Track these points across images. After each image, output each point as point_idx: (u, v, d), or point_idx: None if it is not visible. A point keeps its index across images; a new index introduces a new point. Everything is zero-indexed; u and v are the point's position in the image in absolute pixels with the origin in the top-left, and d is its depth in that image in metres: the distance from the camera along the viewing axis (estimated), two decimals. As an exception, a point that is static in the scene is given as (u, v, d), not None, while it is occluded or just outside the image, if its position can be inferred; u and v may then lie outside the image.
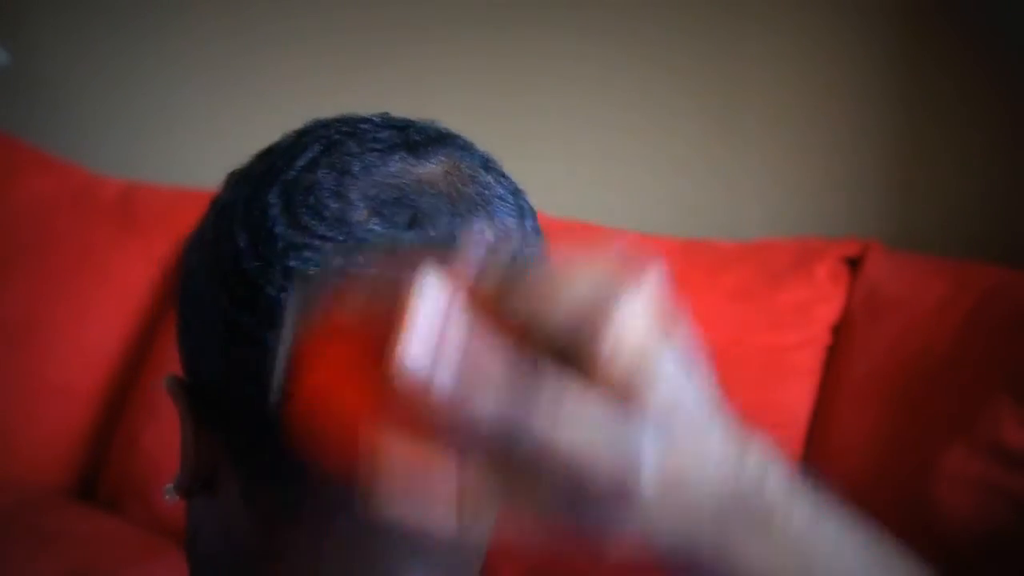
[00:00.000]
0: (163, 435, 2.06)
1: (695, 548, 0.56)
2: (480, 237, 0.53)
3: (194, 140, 2.49)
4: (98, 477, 2.19)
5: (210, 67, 2.49)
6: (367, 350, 0.49)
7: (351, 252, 0.61)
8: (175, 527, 2.04)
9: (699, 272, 1.97)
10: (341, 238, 0.62)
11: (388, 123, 0.68)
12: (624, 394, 0.51)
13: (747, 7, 2.12)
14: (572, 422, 0.50)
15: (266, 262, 0.63)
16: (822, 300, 1.90)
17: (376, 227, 0.62)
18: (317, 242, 0.62)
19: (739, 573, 0.57)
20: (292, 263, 0.62)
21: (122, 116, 2.57)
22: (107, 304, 2.26)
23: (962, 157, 2.02)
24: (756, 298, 1.92)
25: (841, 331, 1.89)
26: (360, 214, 0.63)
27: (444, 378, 0.48)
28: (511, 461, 0.49)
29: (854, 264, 1.93)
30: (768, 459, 0.58)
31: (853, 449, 1.79)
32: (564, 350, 0.50)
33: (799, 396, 1.86)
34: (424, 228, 0.63)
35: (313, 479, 0.59)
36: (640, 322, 0.51)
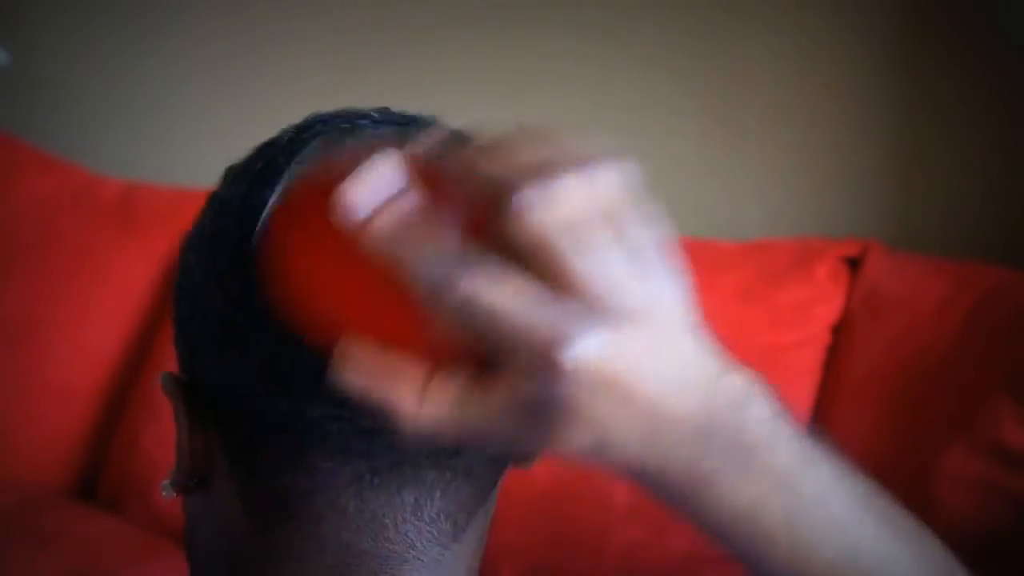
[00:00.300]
0: (163, 435, 2.06)
1: (665, 472, 0.55)
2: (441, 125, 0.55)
3: (194, 140, 2.49)
4: (98, 477, 2.19)
5: (210, 67, 2.49)
6: (327, 211, 0.54)
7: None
8: (175, 527, 2.04)
9: (699, 272, 1.96)
10: None
11: (387, 118, 0.67)
12: (549, 275, 0.52)
13: (747, 7, 2.12)
14: (496, 289, 0.51)
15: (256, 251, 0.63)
16: (822, 300, 1.90)
17: None
18: None
19: (715, 507, 0.56)
20: None
21: (122, 116, 2.57)
22: (107, 304, 2.26)
23: (962, 157, 2.02)
24: (756, 298, 1.92)
25: (841, 331, 1.89)
26: None
27: (380, 225, 0.53)
28: (449, 323, 0.52)
29: (854, 264, 1.93)
30: (751, 387, 0.58)
31: (853, 449, 1.79)
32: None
33: (799, 396, 1.86)
34: None
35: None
36: (574, 201, 0.52)
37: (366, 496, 0.63)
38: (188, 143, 2.50)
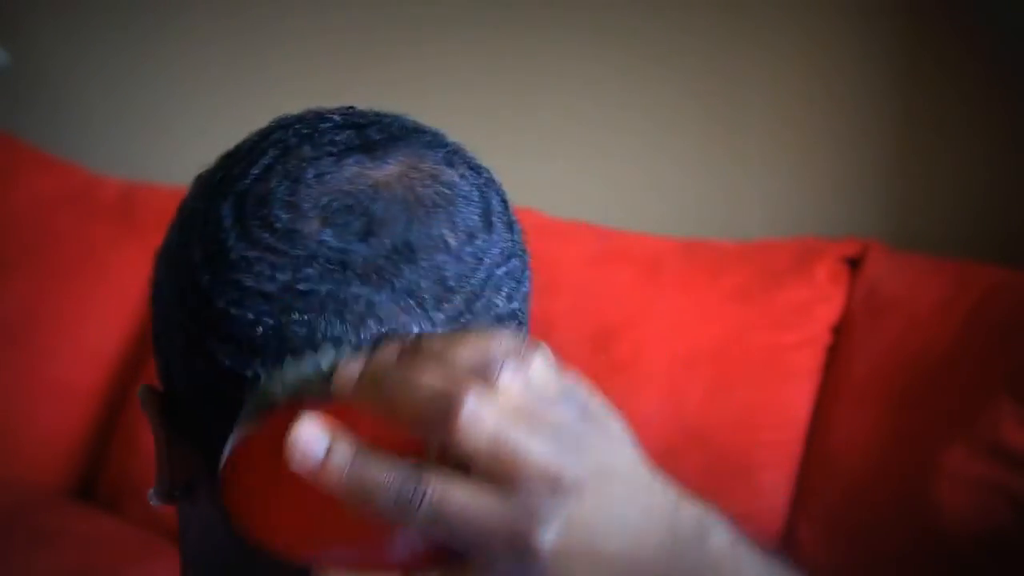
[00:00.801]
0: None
1: None
2: (348, 365, 0.59)
3: (194, 140, 2.49)
4: (98, 477, 2.19)
5: (210, 67, 2.49)
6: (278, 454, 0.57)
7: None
8: (175, 527, 2.04)
9: (699, 272, 1.97)
10: (293, 251, 0.62)
11: (349, 122, 0.67)
12: (503, 472, 0.55)
13: (747, 7, 2.12)
14: (455, 498, 0.55)
15: (217, 276, 0.63)
16: (822, 300, 1.90)
17: (328, 238, 0.62)
18: (269, 255, 0.62)
19: None
20: (241, 277, 0.63)
21: (122, 116, 2.57)
22: (107, 304, 2.26)
23: (962, 157, 2.02)
24: (756, 298, 1.92)
25: (841, 331, 1.89)
26: (312, 225, 0.63)
27: (335, 465, 0.57)
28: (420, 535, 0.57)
29: (854, 264, 1.93)
30: (708, 516, 0.60)
31: (853, 449, 1.79)
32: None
33: (799, 396, 1.86)
34: (378, 236, 0.63)
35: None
36: (490, 415, 0.55)
37: None
38: (188, 143, 2.49)
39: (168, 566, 2.11)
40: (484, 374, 0.56)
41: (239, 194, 0.65)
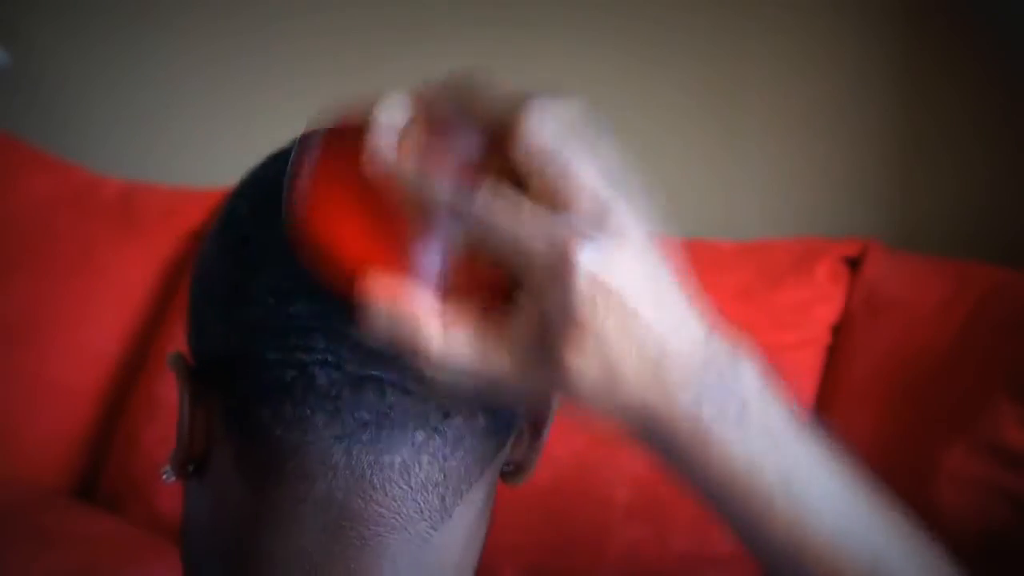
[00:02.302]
0: (163, 435, 2.06)
1: (668, 421, 0.57)
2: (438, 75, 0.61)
3: (194, 140, 2.49)
4: (98, 477, 2.19)
5: (210, 67, 2.49)
6: (352, 162, 0.59)
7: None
8: (175, 527, 2.04)
9: (699, 272, 1.96)
10: None
11: None
12: (557, 188, 0.56)
13: (747, 7, 2.12)
14: (508, 209, 0.56)
15: (259, 221, 0.66)
16: (822, 300, 1.90)
17: None
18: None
19: (716, 462, 0.58)
20: (282, 218, 0.65)
21: (122, 116, 2.57)
22: (107, 304, 2.26)
23: (962, 157, 2.02)
24: (756, 298, 1.92)
25: (841, 331, 1.89)
26: None
27: (403, 167, 0.58)
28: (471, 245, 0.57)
29: (854, 264, 1.93)
30: (741, 345, 0.59)
31: (853, 450, 1.79)
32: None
33: (799, 396, 1.86)
34: None
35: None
36: (552, 127, 0.57)
37: (355, 452, 0.64)
38: (188, 143, 2.50)
39: (168, 566, 2.12)
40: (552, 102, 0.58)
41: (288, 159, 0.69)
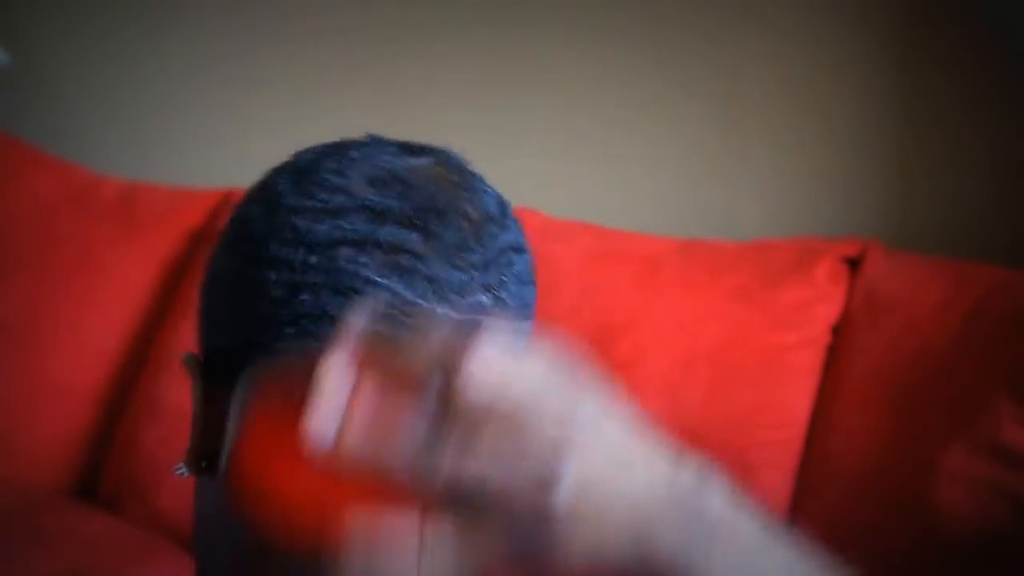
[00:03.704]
0: (163, 435, 2.06)
1: (649, 561, 0.59)
2: (362, 309, 0.60)
3: (194, 140, 2.49)
4: (98, 477, 2.19)
5: (210, 67, 2.49)
6: (291, 429, 0.58)
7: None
8: (175, 527, 2.04)
9: (699, 272, 1.97)
10: (340, 201, 0.72)
11: (388, 139, 0.77)
12: (509, 426, 0.57)
13: (747, 6, 2.12)
14: (474, 454, 0.56)
15: (271, 223, 0.72)
16: (822, 300, 1.90)
17: (370, 195, 0.72)
18: (317, 204, 0.72)
19: None
20: (292, 219, 0.72)
21: (122, 116, 2.57)
22: (107, 304, 2.26)
23: (962, 157, 2.02)
24: (756, 298, 1.92)
25: (841, 331, 1.89)
26: (357, 186, 0.73)
27: (351, 439, 0.57)
28: (440, 503, 0.58)
29: (854, 264, 1.93)
30: (706, 476, 0.62)
31: (853, 449, 1.79)
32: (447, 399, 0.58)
33: (799, 396, 1.86)
34: (412, 198, 0.72)
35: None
36: (493, 360, 0.57)
37: None
38: (188, 143, 2.50)
39: (168, 566, 2.12)
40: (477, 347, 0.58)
41: (294, 168, 0.75)
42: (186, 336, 2.36)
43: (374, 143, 0.76)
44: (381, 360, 0.59)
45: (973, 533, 1.66)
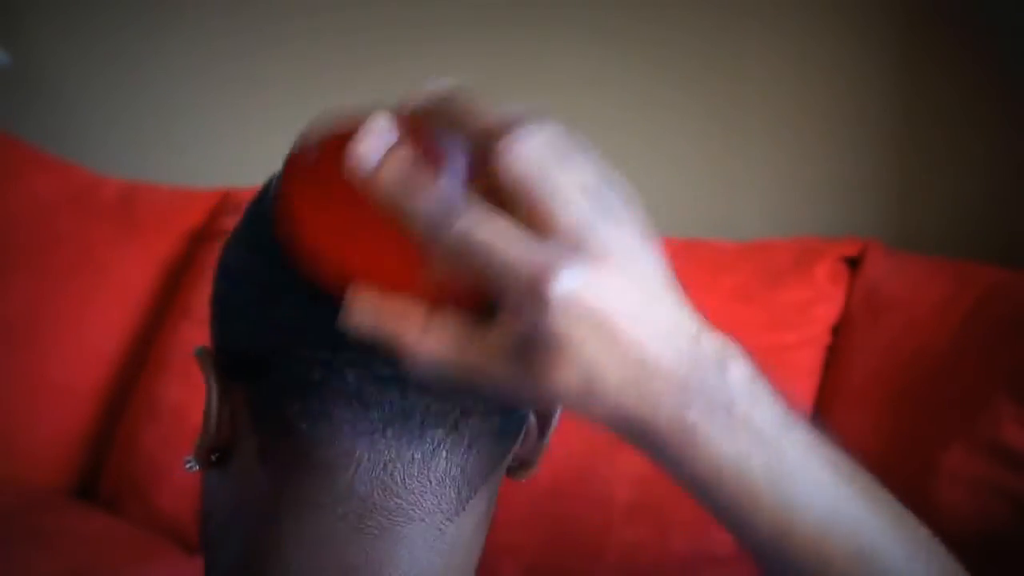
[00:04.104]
0: (163, 435, 2.06)
1: (650, 423, 0.58)
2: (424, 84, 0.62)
3: (194, 140, 2.49)
4: (98, 477, 2.19)
5: (210, 67, 2.49)
6: (339, 169, 0.60)
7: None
8: (175, 527, 2.04)
9: (699, 272, 1.96)
10: None
11: None
12: (538, 213, 0.57)
13: (747, 7, 2.12)
14: (487, 228, 0.57)
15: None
16: (822, 300, 1.90)
17: None
18: None
19: (700, 462, 0.59)
20: None
21: (122, 116, 2.57)
22: (107, 304, 2.26)
23: (962, 157, 2.02)
24: (756, 298, 1.92)
25: (841, 331, 1.89)
26: None
27: (386, 175, 0.59)
28: (448, 260, 0.58)
29: (854, 264, 1.93)
30: (729, 347, 0.62)
31: (853, 449, 1.79)
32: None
33: (799, 396, 1.86)
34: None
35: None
36: (535, 152, 0.58)
37: (379, 447, 0.66)
38: (188, 143, 2.50)
39: (168, 566, 2.12)
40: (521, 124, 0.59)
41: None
42: (186, 336, 2.36)
43: None
44: (431, 123, 0.60)
45: (973, 533, 1.66)
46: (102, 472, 2.19)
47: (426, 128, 0.61)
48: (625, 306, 0.57)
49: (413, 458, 0.66)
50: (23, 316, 2.26)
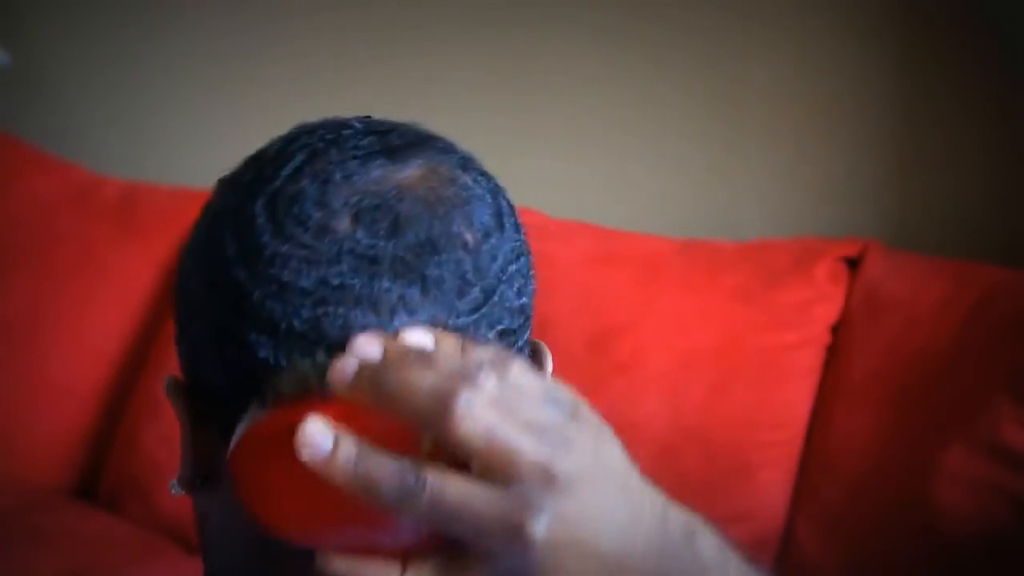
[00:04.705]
0: (163, 435, 2.06)
1: None
2: (344, 359, 0.61)
3: (194, 140, 2.49)
4: (98, 477, 2.19)
5: (211, 67, 2.49)
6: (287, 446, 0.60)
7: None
8: (175, 527, 2.04)
9: (699, 272, 1.96)
10: (326, 247, 0.65)
11: (369, 129, 0.70)
12: (498, 465, 0.58)
13: (748, 7, 2.12)
14: (452, 490, 0.58)
15: (253, 271, 0.66)
16: (822, 300, 1.90)
17: (359, 235, 0.66)
18: (303, 251, 0.65)
19: None
20: (277, 272, 0.65)
21: (122, 116, 2.57)
22: (107, 304, 2.26)
23: (962, 157, 2.02)
24: (756, 298, 1.92)
25: (841, 331, 1.89)
26: (343, 223, 0.66)
27: (343, 457, 0.59)
28: (422, 525, 0.60)
29: (854, 264, 1.93)
30: (696, 520, 0.62)
31: (853, 449, 1.79)
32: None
33: (799, 396, 1.86)
34: (404, 234, 0.66)
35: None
36: (480, 410, 0.58)
37: None
38: (188, 143, 2.50)
39: (168, 566, 2.12)
40: (467, 375, 0.59)
41: (271, 194, 0.68)
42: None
43: (354, 146, 0.69)
44: (368, 390, 0.60)
45: (973, 533, 1.66)
46: (102, 472, 2.19)
47: (364, 400, 0.61)
48: (597, 522, 0.59)
49: None
50: (23, 316, 2.26)
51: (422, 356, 0.61)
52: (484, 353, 0.61)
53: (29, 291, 2.27)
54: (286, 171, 0.68)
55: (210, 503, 0.71)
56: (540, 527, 0.58)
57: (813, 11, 2.08)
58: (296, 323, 0.65)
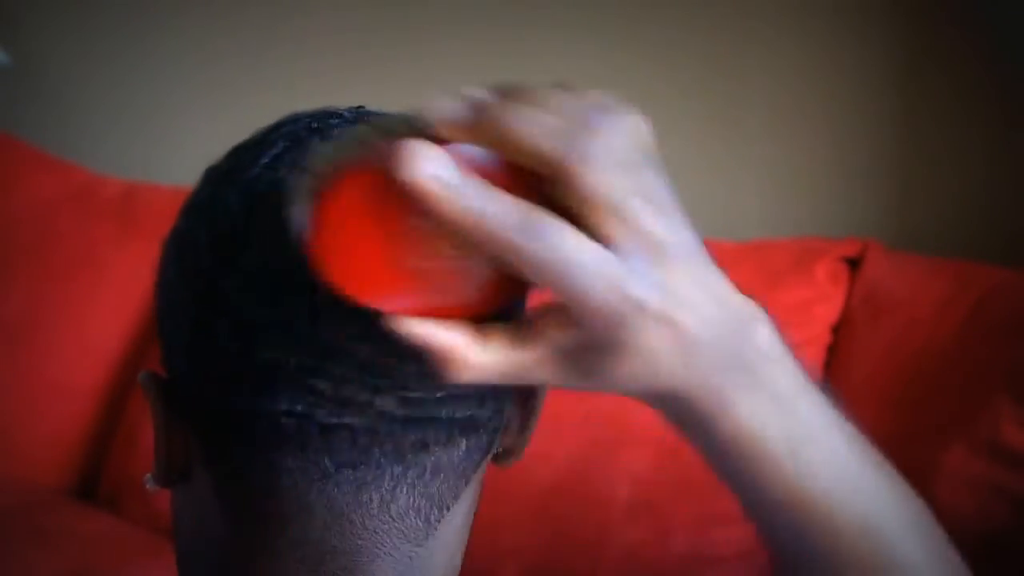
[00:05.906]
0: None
1: (692, 397, 0.59)
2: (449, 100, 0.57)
3: (194, 140, 2.49)
4: (98, 477, 2.20)
5: (210, 67, 2.49)
6: (380, 181, 0.55)
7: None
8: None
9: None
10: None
11: (358, 118, 0.68)
12: (617, 221, 0.55)
13: (748, 7, 2.12)
14: (569, 241, 0.54)
15: (222, 260, 0.63)
16: (822, 300, 1.90)
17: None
18: (275, 239, 0.61)
19: (726, 427, 0.60)
20: (246, 261, 0.62)
21: (122, 116, 2.57)
22: (107, 304, 2.26)
23: (962, 157, 2.02)
24: (756, 298, 1.91)
25: (841, 331, 1.89)
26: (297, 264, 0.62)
27: (448, 178, 0.54)
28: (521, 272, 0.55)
29: (854, 264, 1.93)
30: (757, 312, 0.62)
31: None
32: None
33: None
34: None
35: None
36: (605, 161, 0.56)
37: (332, 494, 0.63)
38: (188, 143, 2.50)
39: (168, 566, 2.11)
40: (593, 125, 0.56)
41: (247, 181, 0.65)
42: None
43: (339, 135, 0.65)
44: (481, 127, 0.56)
45: (973, 533, 1.66)
46: (102, 472, 2.19)
47: (476, 138, 0.57)
48: (685, 300, 0.57)
49: (371, 500, 0.63)
50: (23, 316, 2.26)
51: (541, 94, 0.57)
52: (606, 98, 0.59)
53: (29, 291, 2.27)
54: (264, 159, 0.66)
55: (185, 499, 0.70)
56: (653, 297, 0.56)
57: (813, 11, 2.08)
58: (264, 312, 0.61)
